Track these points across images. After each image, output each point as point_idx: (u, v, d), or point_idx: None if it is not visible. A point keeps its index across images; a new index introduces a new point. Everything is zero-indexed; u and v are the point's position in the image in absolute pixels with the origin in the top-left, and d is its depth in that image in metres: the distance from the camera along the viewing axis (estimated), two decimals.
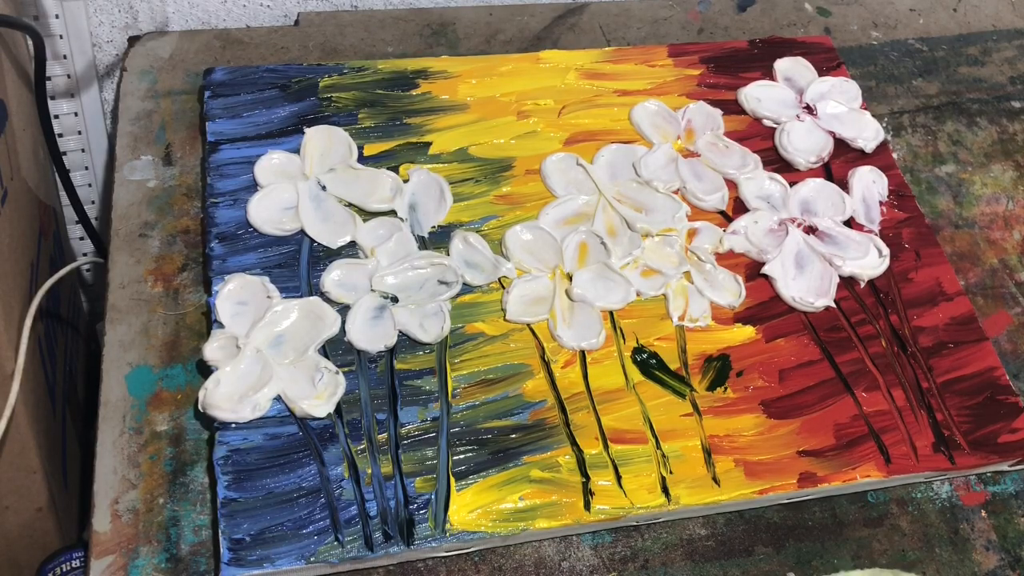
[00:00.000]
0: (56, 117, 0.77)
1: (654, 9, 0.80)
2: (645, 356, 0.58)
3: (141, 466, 0.51)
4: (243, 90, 0.65)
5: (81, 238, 0.88)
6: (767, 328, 0.61)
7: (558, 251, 0.61)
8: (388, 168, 0.63)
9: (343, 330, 0.56)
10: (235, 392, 0.52)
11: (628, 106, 0.69)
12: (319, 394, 0.53)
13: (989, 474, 0.59)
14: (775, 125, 0.71)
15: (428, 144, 0.65)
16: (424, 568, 0.51)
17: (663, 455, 0.54)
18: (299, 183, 0.61)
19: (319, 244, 0.59)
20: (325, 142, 0.63)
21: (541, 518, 0.51)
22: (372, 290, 0.57)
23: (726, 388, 0.58)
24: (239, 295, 0.56)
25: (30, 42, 0.67)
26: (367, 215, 0.61)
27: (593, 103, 0.70)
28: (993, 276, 0.69)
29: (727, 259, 0.63)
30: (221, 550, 0.48)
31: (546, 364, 0.57)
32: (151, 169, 0.63)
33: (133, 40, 0.70)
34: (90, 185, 0.83)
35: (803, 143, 0.69)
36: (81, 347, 0.85)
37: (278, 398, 0.53)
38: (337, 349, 0.55)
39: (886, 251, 0.65)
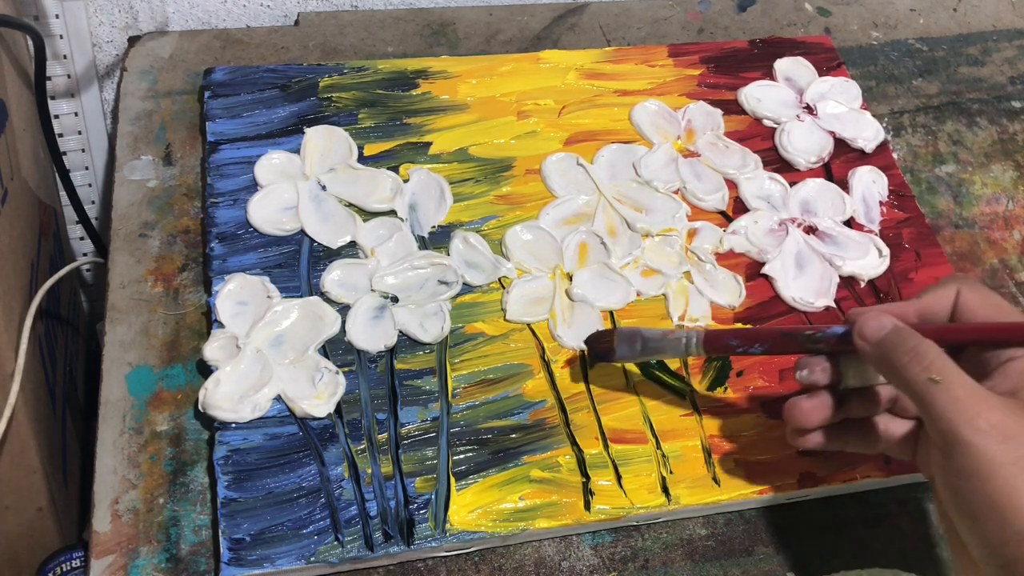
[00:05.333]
0: (56, 117, 0.77)
1: (654, 9, 0.80)
2: None
3: (141, 466, 0.51)
4: (243, 90, 0.65)
5: (81, 238, 0.88)
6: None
7: (558, 251, 0.61)
8: (388, 168, 0.63)
9: (343, 330, 0.56)
10: (235, 392, 0.52)
11: (628, 106, 0.69)
12: (319, 394, 0.53)
13: None
14: (775, 125, 0.71)
15: (428, 144, 0.65)
16: (424, 568, 0.51)
17: (663, 455, 0.54)
18: (299, 183, 0.61)
19: (319, 244, 0.59)
20: (325, 142, 0.63)
21: (541, 518, 0.51)
22: (372, 290, 0.57)
23: (726, 388, 0.57)
24: (239, 295, 0.56)
25: (30, 42, 0.67)
26: (367, 215, 0.61)
27: (593, 103, 0.70)
28: (993, 276, 0.69)
29: (727, 259, 0.63)
30: (221, 550, 0.48)
31: (546, 364, 0.57)
32: (151, 169, 0.63)
33: (133, 40, 0.70)
34: (90, 185, 0.83)
35: (803, 143, 0.69)
36: (81, 347, 0.85)
37: (278, 398, 0.53)
38: (337, 349, 0.55)
39: (886, 251, 0.65)
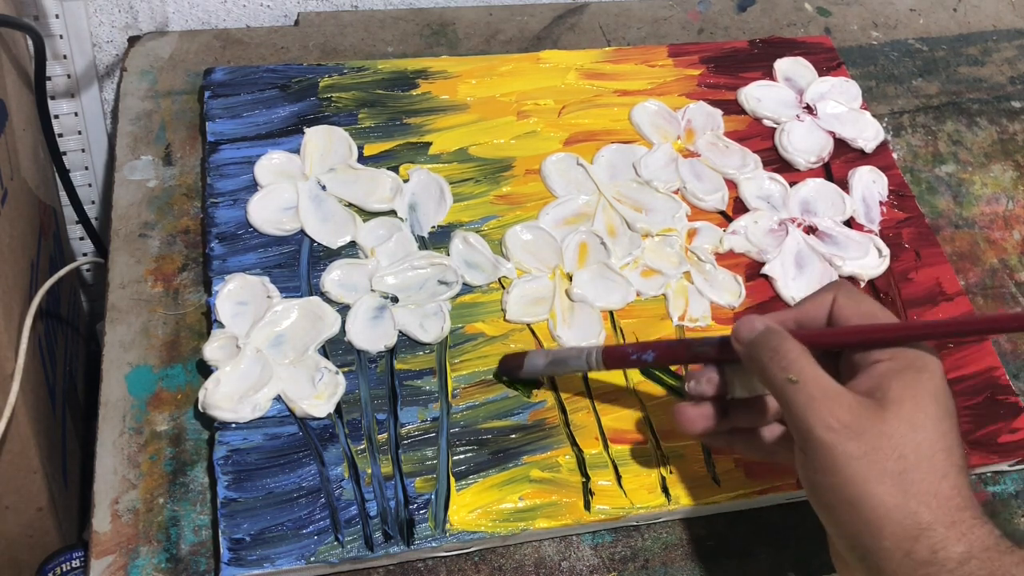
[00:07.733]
0: (56, 117, 0.77)
1: (654, 9, 0.80)
2: None
3: (141, 466, 0.51)
4: (243, 90, 0.65)
5: (81, 238, 0.88)
6: None
7: (558, 251, 0.61)
8: (388, 168, 0.63)
9: (343, 330, 0.56)
10: (235, 392, 0.52)
11: (628, 106, 0.69)
12: (319, 394, 0.53)
13: (989, 474, 0.59)
14: (775, 125, 0.71)
15: (428, 144, 0.65)
16: (424, 568, 0.51)
17: (663, 455, 0.54)
18: (299, 183, 0.61)
19: (319, 244, 0.59)
20: (325, 142, 0.63)
21: (541, 518, 0.51)
22: (372, 290, 0.57)
23: None
24: (239, 295, 0.56)
25: (30, 42, 0.67)
26: (367, 215, 0.61)
27: (593, 103, 0.70)
28: (993, 276, 0.69)
29: (727, 259, 0.63)
30: (221, 550, 0.48)
31: None
32: (151, 169, 0.63)
33: (133, 40, 0.70)
34: (90, 185, 0.83)
35: (803, 143, 0.69)
36: (81, 347, 0.85)
37: (278, 398, 0.53)
38: (337, 349, 0.55)
39: (886, 251, 0.65)
